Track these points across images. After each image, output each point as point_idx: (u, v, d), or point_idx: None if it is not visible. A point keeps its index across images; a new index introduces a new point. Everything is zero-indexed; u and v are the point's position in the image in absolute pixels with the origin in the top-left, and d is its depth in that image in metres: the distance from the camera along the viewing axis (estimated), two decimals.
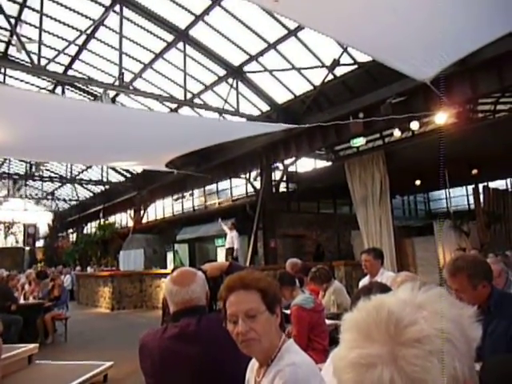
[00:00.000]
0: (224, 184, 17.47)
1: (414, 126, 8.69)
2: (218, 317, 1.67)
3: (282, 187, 15.25)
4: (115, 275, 13.68)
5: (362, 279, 4.50)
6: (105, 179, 19.51)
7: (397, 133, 9.50)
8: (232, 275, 1.51)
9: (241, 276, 1.48)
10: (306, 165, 15.94)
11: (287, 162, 14.11)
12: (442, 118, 8.03)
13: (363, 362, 0.58)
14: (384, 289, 1.94)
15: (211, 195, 18.39)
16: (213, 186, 17.97)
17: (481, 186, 13.48)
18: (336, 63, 8.88)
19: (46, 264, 23.89)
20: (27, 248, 27.32)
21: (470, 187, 15.22)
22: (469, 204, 17.98)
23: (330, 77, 9.45)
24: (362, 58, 8.53)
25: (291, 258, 5.79)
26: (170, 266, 18.15)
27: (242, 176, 15.24)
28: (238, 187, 16.86)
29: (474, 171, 12.10)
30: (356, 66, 9.00)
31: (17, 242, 27.23)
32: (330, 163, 15.04)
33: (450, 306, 0.60)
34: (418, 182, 13.60)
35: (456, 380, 0.55)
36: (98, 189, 23.20)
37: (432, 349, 0.55)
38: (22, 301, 8.53)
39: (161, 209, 21.48)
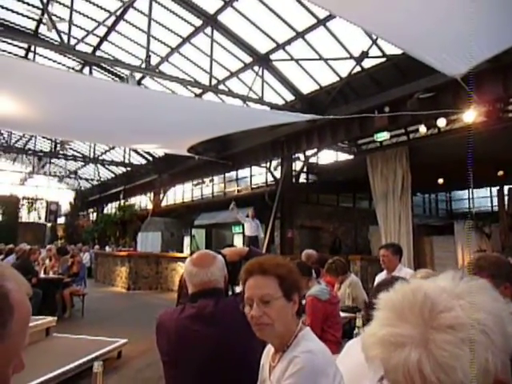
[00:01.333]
0: (244, 172, 17.50)
1: (441, 123, 8.51)
2: (235, 300, 1.68)
3: (302, 178, 15.20)
4: (132, 256, 13.88)
5: (379, 274, 4.47)
6: (127, 161, 19.67)
7: (422, 129, 9.32)
8: (253, 259, 1.52)
9: (260, 261, 1.49)
10: (327, 157, 15.84)
11: (309, 153, 14.05)
12: (470, 116, 7.83)
13: (393, 340, 0.58)
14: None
15: (231, 182, 18.44)
16: (232, 174, 17.99)
17: (506, 188, 13.17)
18: (364, 55, 8.72)
19: (67, 241, 24.42)
20: (49, 224, 27.91)
21: (495, 189, 14.88)
22: (492, 206, 17.62)
23: (358, 69, 9.30)
24: (391, 50, 8.36)
25: (307, 249, 5.79)
26: (187, 250, 18.42)
27: (263, 165, 15.25)
28: (258, 176, 16.87)
29: (500, 173, 11.82)
30: (384, 59, 8.84)
31: (39, 217, 27.82)
32: (351, 156, 14.93)
33: (491, 299, 0.60)
34: (440, 181, 13.37)
35: (486, 371, 0.54)
36: (120, 170, 23.44)
37: (465, 337, 0.55)
38: (42, 275, 8.75)
39: (180, 193, 21.61)
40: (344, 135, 10.73)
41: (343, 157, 15.50)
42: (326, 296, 3.74)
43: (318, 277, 4.38)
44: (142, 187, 21.66)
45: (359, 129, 10.15)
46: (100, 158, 20.92)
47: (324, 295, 3.73)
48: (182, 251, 17.45)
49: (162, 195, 21.26)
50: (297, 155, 13.93)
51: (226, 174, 18.17)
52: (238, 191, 17.59)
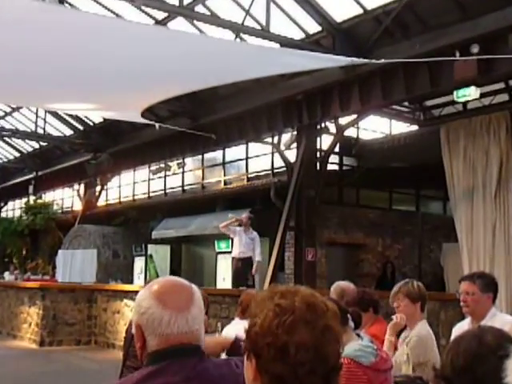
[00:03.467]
0: (236, 151, 17.50)
1: None
2: (230, 365, 1.80)
3: (333, 163, 15.16)
4: (49, 288, 13.91)
5: (458, 324, 4.54)
6: (40, 130, 19.60)
7: None
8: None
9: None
10: (375, 128, 15.78)
11: (344, 121, 14.03)
12: None
13: None
14: (504, 338, 1.94)
15: (213, 169, 18.43)
16: (217, 155, 17.99)
17: None
18: None
19: None
20: None
21: None
22: None
23: None
24: None
25: (340, 281, 5.87)
26: (139, 279, 18.26)
27: (267, 140, 15.20)
28: (259, 158, 16.88)
29: None
30: None
31: None
32: (415, 127, 14.94)
33: None
34: None
35: None
36: (29, 146, 23.46)
37: None
38: None
39: (129, 186, 21.59)
40: (403, 92, 10.69)
41: (401, 128, 15.45)
42: (371, 358, 3.77)
43: (358, 327, 4.38)
44: (66, 175, 21.65)
45: (429, 81, 10.12)
46: None
47: (367, 357, 3.77)
48: (131, 281, 17.38)
49: (98, 188, 21.28)
50: (324, 125, 13.91)
51: (207, 155, 18.13)
52: (226, 183, 17.53)
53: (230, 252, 15.42)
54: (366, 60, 9.18)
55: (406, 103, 14.41)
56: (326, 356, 1.49)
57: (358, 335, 4.05)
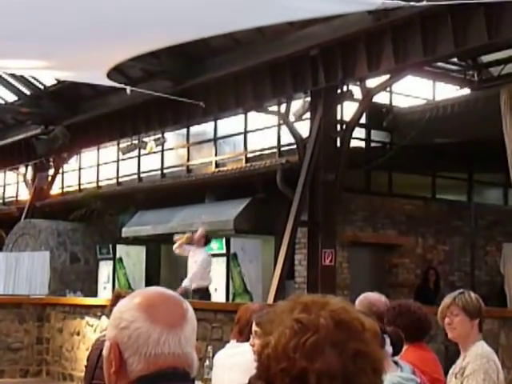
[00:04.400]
0: (231, 124, 17.53)
1: None
2: None
3: (358, 138, 15.20)
4: None
5: None
6: None
7: None
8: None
9: None
10: (413, 92, 15.82)
11: (372, 83, 14.06)
12: None
13: None
14: None
15: (201, 146, 18.57)
16: (206, 128, 18.05)
17: None
18: None
19: None
20: None
21: None
22: None
23: None
24: None
25: (368, 293, 5.91)
26: (105, 290, 18.43)
27: (271, 109, 15.23)
28: (262, 133, 16.94)
29: None
30: None
31: None
32: (467, 91, 14.98)
33: None
34: None
35: None
36: None
37: None
38: None
39: (92, 169, 21.72)
40: (451, 44, 10.66)
41: (448, 92, 15.48)
42: None
43: (399, 352, 4.38)
44: (8, 155, 21.89)
45: (485, 30, 10.07)
46: None
47: None
48: (94, 293, 17.53)
49: (51, 172, 21.42)
50: (346, 89, 13.90)
51: (193, 129, 18.27)
52: (219, 165, 17.62)
53: (224, 254, 15.45)
54: (402, 2, 8.95)
55: (455, 60, 14.47)
56: None
57: (396, 363, 4.08)
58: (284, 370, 1.45)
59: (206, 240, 13.17)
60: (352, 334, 1.51)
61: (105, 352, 2.00)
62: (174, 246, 13.21)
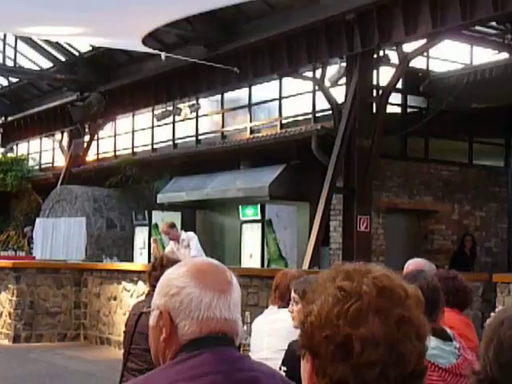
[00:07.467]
0: (266, 90, 17.44)
1: None
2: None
3: (394, 104, 15.19)
4: (24, 268, 13.93)
5: None
6: (9, 63, 19.62)
7: None
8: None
9: None
10: (451, 56, 15.68)
11: (409, 47, 13.97)
12: None
13: None
14: None
15: (236, 112, 18.50)
16: (241, 94, 18.01)
17: None
18: None
19: None
20: None
21: None
22: None
23: None
24: None
25: (416, 259, 5.95)
26: (142, 256, 18.52)
27: (306, 74, 15.18)
28: (296, 99, 16.84)
29: None
30: None
31: None
32: (505, 56, 14.84)
33: None
34: None
35: None
36: None
37: None
38: None
39: (127, 136, 21.76)
40: (490, 7, 10.54)
41: (487, 57, 15.30)
42: (452, 360, 3.83)
43: (436, 318, 4.31)
44: (44, 121, 21.81)
45: None
46: None
47: (447, 358, 3.83)
48: (130, 259, 17.56)
49: (87, 139, 21.44)
50: (383, 53, 13.84)
51: (227, 95, 18.18)
52: (253, 131, 17.58)
53: (259, 221, 15.47)
54: None
55: (494, 23, 14.23)
56: (402, 356, 1.47)
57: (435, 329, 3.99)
58: (328, 337, 1.47)
59: (172, 225, 12.94)
60: (395, 301, 1.53)
61: (152, 321, 2.08)
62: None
